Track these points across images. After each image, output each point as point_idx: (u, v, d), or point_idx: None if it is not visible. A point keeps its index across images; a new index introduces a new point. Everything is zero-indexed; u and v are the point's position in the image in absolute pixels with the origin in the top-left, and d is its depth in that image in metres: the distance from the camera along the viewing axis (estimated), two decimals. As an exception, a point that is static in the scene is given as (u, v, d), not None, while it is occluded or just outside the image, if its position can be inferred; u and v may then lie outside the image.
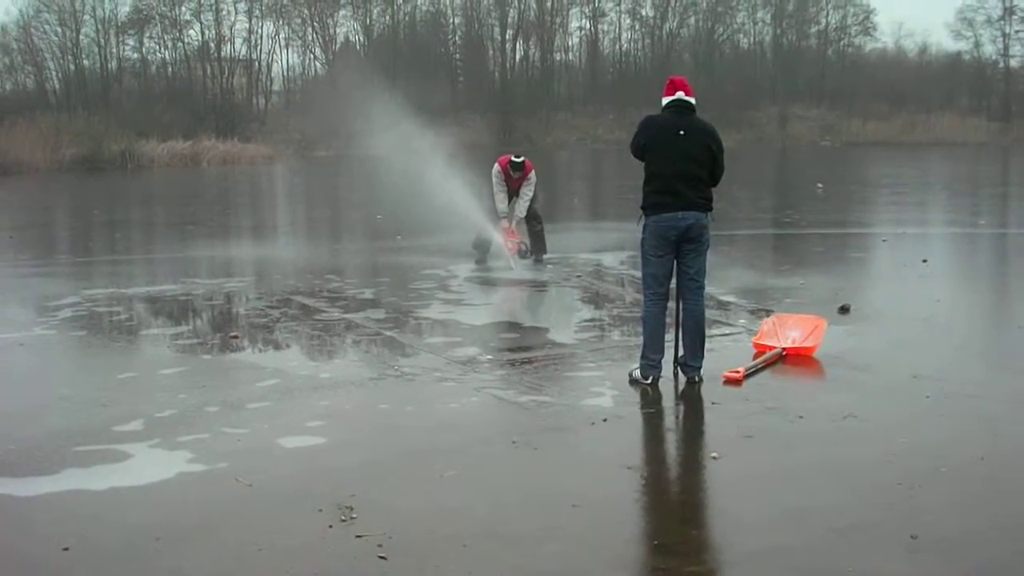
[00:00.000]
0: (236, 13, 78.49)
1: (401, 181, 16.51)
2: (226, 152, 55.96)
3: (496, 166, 14.26)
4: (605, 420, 6.77)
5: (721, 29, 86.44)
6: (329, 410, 7.06)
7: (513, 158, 14.19)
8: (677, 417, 7.27)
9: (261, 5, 78.63)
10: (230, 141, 57.84)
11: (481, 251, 14.47)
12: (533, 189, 14.34)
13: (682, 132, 7.58)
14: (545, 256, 14.45)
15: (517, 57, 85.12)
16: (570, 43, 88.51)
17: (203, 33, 77.49)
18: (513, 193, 14.34)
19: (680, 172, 7.52)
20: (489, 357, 8.61)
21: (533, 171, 14.33)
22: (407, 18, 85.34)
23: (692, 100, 7.75)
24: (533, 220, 14.54)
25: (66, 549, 4.81)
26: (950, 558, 4.65)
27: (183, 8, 76.25)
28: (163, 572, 4.59)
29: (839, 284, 12.10)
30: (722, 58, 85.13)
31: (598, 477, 5.73)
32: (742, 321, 9.96)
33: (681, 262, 7.73)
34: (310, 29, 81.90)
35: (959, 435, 6.43)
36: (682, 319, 7.82)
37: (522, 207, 14.30)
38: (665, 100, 7.77)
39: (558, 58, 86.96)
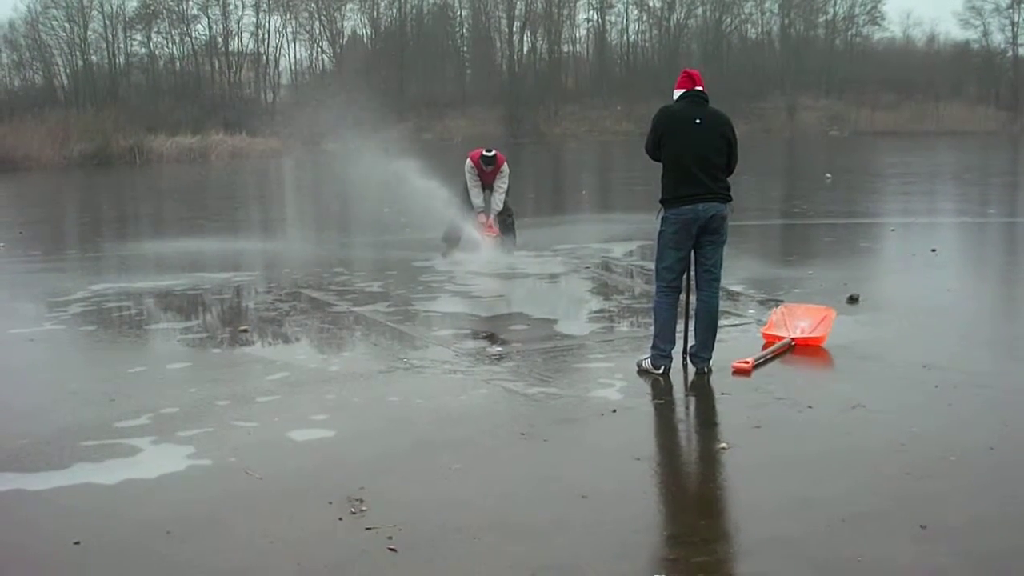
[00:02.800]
0: (243, 7, 78.69)
1: (406, 175, 16.47)
2: (235, 146, 56.10)
3: (468, 161, 14.33)
4: (614, 411, 6.77)
5: (729, 19, 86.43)
6: (338, 403, 7.08)
7: (484, 152, 14.24)
8: (686, 408, 7.27)
9: (268, -1, 78.75)
10: (238, 135, 57.98)
11: (450, 244, 14.45)
12: (507, 180, 14.41)
13: (699, 121, 7.54)
14: (513, 248, 14.54)
15: (525, 49, 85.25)
16: (577, 35, 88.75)
17: (210, 27, 77.79)
18: (487, 186, 14.41)
19: (699, 161, 7.48)
20: (498, 349, 8.61)
21: (505, 163, 14.39)
22: (414, 11, 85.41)
23: (705, 92, 7.74)
24: (505, 213, 14.61)
25: (77, 543, 4.82)
26: (959, 547, 4.65)
27: (190, 3, 76.44)
28: (174, 565, 4.61)
29: (848, 274, 12.08)
30: (730, 48, 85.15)
31: (607, 468, 5.73)
32: (751, 311, 9.96)
33: (699, 254, 7.70)
34: (317, 23, 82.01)
35: (968, 425, 6.42)
36: (696, 311, 7.81)
37: (498, 200, 14.36)
38: (679, 92, 7.74)
39: (566, 50, 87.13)
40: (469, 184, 14.33)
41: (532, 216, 21.00)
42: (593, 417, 6.67)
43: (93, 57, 74.45)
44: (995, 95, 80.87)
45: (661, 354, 7.67)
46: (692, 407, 7.29)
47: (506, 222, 14.59)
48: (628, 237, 16.19)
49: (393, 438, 6.32)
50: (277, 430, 6.48)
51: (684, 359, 7.90)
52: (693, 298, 7.87)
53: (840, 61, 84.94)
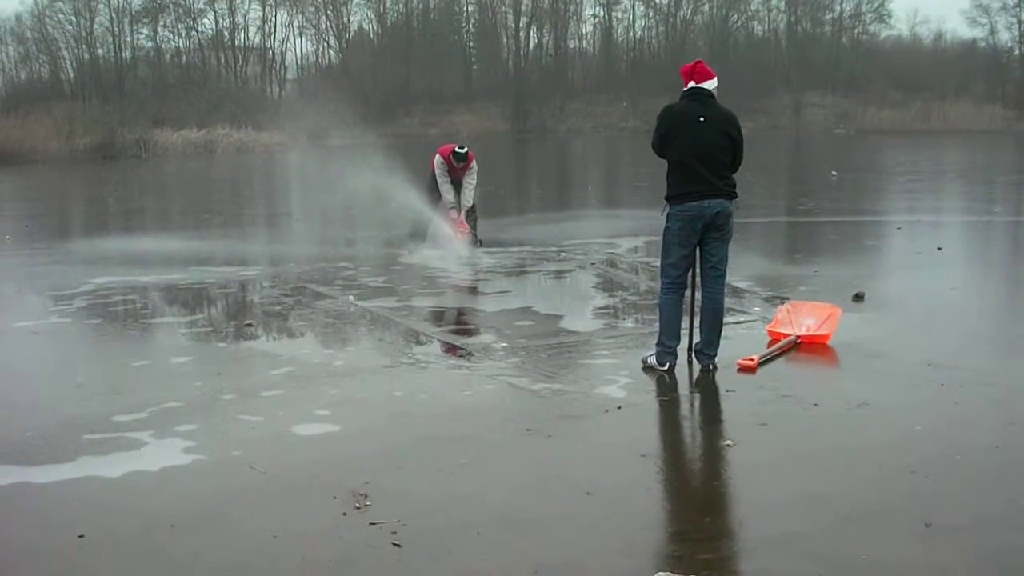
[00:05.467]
0: (250, 2, 78.91)
1: (412, 170, 16.46)
2: (240, 140, 56.06)
3: (438, 157, 14.37)
4: (619, 408, 6.77)
5: (735, 16, 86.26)
6: (343, 398, 7.08)
7: (457, 149, 14.31)
8: (691, 405, 7.26)
9: (274, -7, 78.73)
10: (244, 129, 57.89)
11: (416, 240, 14.52)
12: (476, 177, 14.51)
13: (702, 119, 7.54)
14: (477, 246, 14.62)
15: (531, 45, 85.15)
16: (584, 31, 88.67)
17: (217, 21, 77.80)
18: (456, 182, 14.47)
19: (703, 159, 7.48)
20: (503, 345, 8.61)
21: (475, 161, 14.47)
22: (420, 6, 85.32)
23: (708, 86, 7.67)
24: (469, 209, 14.66)
25: (81, 536, 4.83)
26: (963, 545, 4.65)
27: (197, -4, 76.44)
28: (178, 559, 4.61)
29: (853, 272, 12.07)
30: (736, 45, 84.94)
31: (612, 465, 5.73)
32: (756, 309, 9.95)
33: (704, 250, 7.71)
34: (324, 17, 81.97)
35: (973, 423, 6.41)
36: (701, 307, 7.82)
37: (467, 196, 14.45)
38: (684, 88, 7.74)
39: (572, 46, 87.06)
40: (439, 180, 14.37)
41: (538, 212, 21.04)
42: (598, 413, 6.67)
43: (99, 50, 74.54)
44: (1001, 94, 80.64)
45: (666, 351, 7.67)
46: (697, 404, 7.28)
47: (469, 218, 14.61)
48: (634, 233, 16.19)
49: (398, 433, 6.32)
50: (281, 425, 6.48)
51: (689, 356, 7.91)
52: (699, 295, 7.87)
53: (847, 59, 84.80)
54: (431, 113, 75.64)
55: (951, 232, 16.91)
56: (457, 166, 14.28)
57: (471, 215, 14.67)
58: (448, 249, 14.05)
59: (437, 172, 14.35)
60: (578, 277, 12.37)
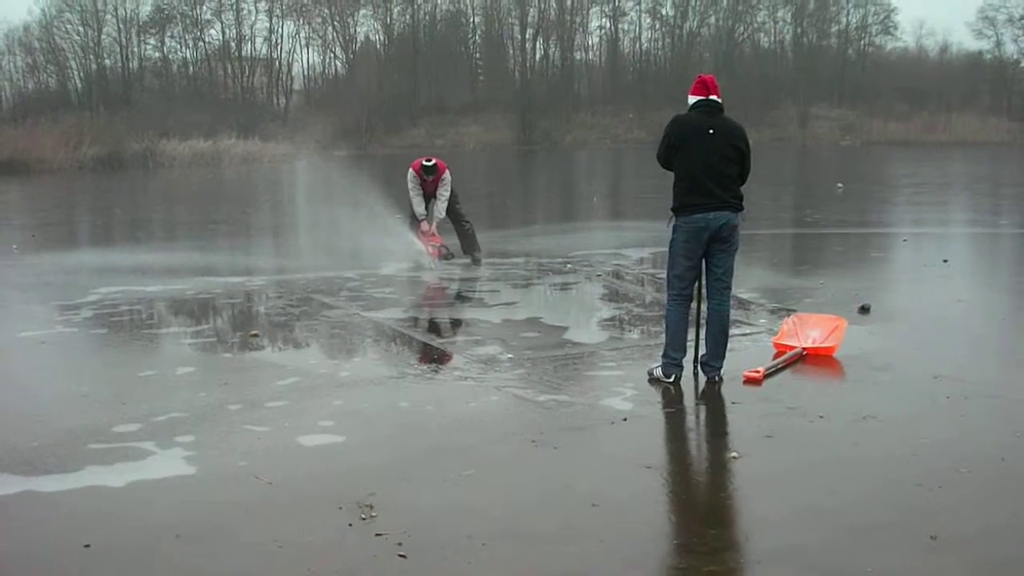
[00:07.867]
0: (257, 12, 78.79)
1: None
2: (247, 151, 56.06)
3: (410, 171, 14.63)
4: (625, 419, 6.77)
5: (741, 28, 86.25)
6: (348, 409, 7.08)
7: (424, 162, 14.53)
8: (697, 417, 7.26)
9: (282, 4, 78.95)
10: (251, 140, 57.95)
11: (416, 251, 14.62)
12: (449, 189, 14.64)
13: (711, 131, 7.53)
14: (480, 255, 14.69)
15: (537, 56, 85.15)
16: (590, 42, 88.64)
17: (224, 32, 77.85)
18: (429, 195, 14.70)
19: (711, 171, 7.48)
20: (509, 356, 8.60)
21: (447, 171, 14.64)
22: (427, 17, 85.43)
23: (720, 100, 7.70)
24: (461, 221, 14.83)
25: (87, 546, 4.83)
26: (970, 558, 4.64)
27: (204, 7, 76.57)
28: (183, 569, 4.61)
29: (859, 284, 12.07)
30: (742, 57, 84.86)
31: (618, 476, 5.73)
32: (762, 321, 9.94)
33: (710, 262, 7.70)
34: (330, 28, 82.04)
35: (979, 436, 6.40)
36: (706, 319, 7.81)
37: (440, 208, 14.62)
38: (693, 99, 7.70)
39: (578, 57, 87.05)
40: (411, 194, 14.69)
41: (543, 223, 21.05)
42: (604, 425, 6.67)
43: (107, 61, 74.68)
44: (1007, 106, 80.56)
45: (672, 362, 7.66)
46: (703, 416, 7.28)
47: (465, 230, 14.72)
48: (640, 245, 16.18)
49: (403, 444, 6.32)
50: (287, 435, 6.48)
51: (695, 368, 7.89)
52: (704, 307, 7.87)
53: (853, 71, 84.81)
54: (437, 124, 75.67)
55: (957, 244, 16.88)
56: (428, 179, 14.53)
57: (466, 225, 14.71)
58: (421, 261, 14.14)
59: (410, 186, 14.67)
60: (584, 288, 12.37)
